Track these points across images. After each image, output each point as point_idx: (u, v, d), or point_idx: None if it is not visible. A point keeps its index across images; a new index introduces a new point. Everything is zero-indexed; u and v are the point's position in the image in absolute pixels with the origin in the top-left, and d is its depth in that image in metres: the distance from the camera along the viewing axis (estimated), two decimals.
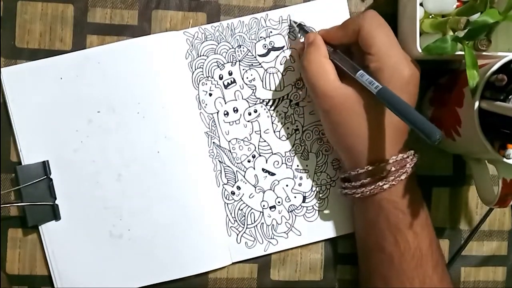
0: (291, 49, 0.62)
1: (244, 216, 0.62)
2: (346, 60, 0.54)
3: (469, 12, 0.52)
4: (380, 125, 0.53)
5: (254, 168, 0.62)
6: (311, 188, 0.62)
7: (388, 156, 0.53)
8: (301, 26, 0.60)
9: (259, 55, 0.61)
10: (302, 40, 0.61)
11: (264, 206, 0.62)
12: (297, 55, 0.61)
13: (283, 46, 0.61)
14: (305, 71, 0.55)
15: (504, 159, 0.50)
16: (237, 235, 0.62)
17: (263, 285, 0.62)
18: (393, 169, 0.53)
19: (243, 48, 0.61)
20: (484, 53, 0.52)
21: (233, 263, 0.62)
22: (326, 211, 0.62)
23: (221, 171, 0.61)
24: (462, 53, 0.50)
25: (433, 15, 0.56)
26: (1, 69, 0.59)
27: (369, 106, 0.52)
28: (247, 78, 0.61)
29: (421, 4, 0.55)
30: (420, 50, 0.53)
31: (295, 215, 0.62)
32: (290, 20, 0.61)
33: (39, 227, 0.59)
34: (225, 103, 0.61)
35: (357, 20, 0.54)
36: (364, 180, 0.54)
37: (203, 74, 0.61)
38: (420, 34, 0.54)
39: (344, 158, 0.57)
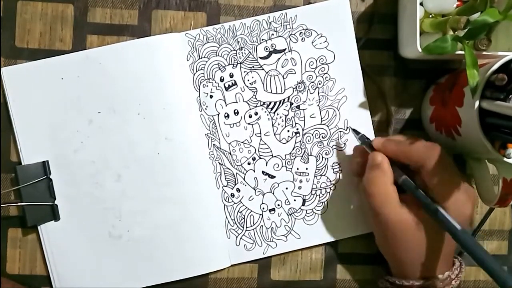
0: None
1: (244, 218, 0.62)
2: (417, 189, 0.53)
3: (469, 12, 0.52)
4: (435, 247, 0.54)
5: (254, 171, 0.62)
6: (311, 191, 0.62)
7: (436, 274, 0.54)
8: (363, 138, 0.59)
9: (261, 58, 0.61)
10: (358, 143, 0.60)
11: (263, 208, 0.62)
12: (356, 168, 0.59)
13: (285, 49, 0.61)
14: (370, 195, 0.55)
15: (505, 159, 0.50)
16: (236, 237, 0.61)
17: (263, 285, 0.62)
18: (440, 285, 0.54)
19: (244, 50, 0.61)
20: (484, 52, 0.52)
21: (232, 265, 0.62)
22: (325, 215, 0.62)
23: (221, 173, 0.61)
24: (462, 52, 0.50)
25: (433, 15, 0.56)
26: (2, 68, 0.59)
27: (428, 230, 0.53)
28: (248, 80, 0.61)
29: (421, 4, 0.55)
30: (420, 50, 0.53)
31: (295, 218, 0.62)
32: (351, 129, 0.61)
33: (38, 227, 0.59)
34: (226, 105, 0.61)
35: (422, 154, 0.53)
36: None
37: (204, 76, 0.61)
38: (420, 34, 0.54)
39: (392, 265, 0.58)
